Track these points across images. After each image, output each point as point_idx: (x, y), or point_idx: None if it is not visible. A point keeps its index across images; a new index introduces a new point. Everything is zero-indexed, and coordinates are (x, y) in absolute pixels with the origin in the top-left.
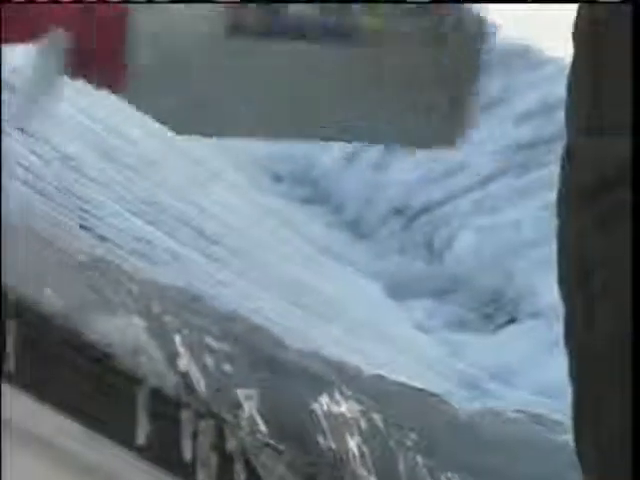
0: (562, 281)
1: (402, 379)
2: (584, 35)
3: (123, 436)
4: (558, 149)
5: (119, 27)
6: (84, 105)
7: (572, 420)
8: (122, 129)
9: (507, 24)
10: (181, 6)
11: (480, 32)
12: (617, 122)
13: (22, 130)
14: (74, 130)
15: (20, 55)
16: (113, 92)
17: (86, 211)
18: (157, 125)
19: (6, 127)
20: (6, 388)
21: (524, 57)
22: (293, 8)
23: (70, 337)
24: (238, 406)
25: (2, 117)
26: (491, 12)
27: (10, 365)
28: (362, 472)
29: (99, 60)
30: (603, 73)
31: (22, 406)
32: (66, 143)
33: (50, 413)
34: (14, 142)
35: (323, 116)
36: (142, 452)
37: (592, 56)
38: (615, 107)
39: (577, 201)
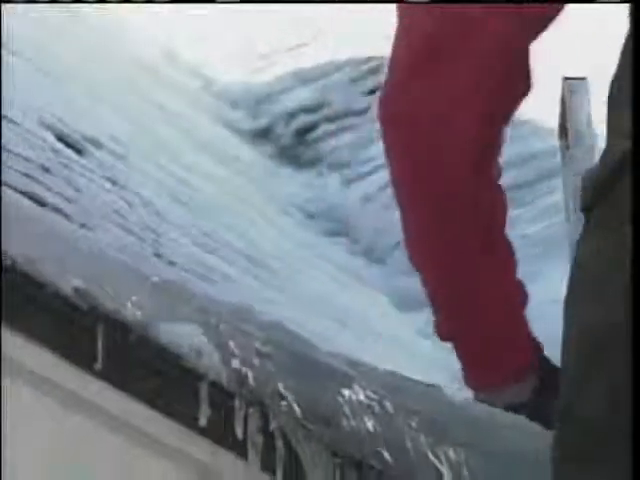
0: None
1: (407, 374)
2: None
3: (188, 419)
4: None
5: None
6: (160, 160)
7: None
8: (189, 179)
9: None
10: None
11: None
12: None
13: (110, 180)
14: (152, 180)
15: None
16: None
17: (159, 243)
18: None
19: (98, 178)
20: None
21: None
22: None
23: (147, 342)
24: (279, 396)
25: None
26: None
27: (99, 364)
28: (377, 447)
29: None
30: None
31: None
32: (145, 190)
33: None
34: (105, 191)
35: None
36: (204, 432)
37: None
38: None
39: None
